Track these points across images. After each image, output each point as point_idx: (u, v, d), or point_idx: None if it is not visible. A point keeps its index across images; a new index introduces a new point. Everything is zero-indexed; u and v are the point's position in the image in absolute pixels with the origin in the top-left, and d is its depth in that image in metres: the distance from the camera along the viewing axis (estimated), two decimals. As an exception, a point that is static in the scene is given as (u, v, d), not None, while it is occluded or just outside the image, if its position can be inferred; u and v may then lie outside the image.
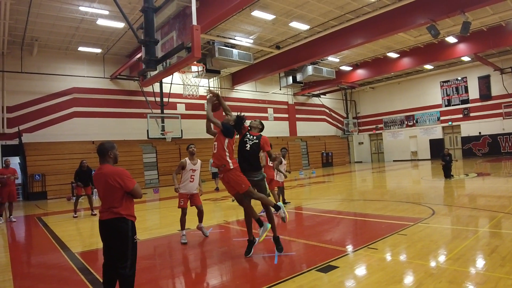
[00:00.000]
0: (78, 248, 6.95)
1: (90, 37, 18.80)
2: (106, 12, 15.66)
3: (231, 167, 5.43)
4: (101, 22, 16.50)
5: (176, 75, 20.35)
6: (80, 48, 20.07)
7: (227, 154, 5.46)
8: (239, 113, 5.93)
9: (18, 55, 18.71)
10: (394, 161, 35.26)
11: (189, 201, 6.98)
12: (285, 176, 10.64)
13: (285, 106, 32.59)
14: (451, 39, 22.47)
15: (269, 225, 5.51)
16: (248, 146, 5.66)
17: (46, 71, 19.66)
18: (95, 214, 11.18)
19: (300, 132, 33.38)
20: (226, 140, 5.50)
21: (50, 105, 19.85)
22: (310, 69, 25.01)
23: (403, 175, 20.21)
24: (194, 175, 6.97)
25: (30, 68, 19.09)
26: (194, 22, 5.79)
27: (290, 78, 26.99)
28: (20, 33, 17.19)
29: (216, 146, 5.53)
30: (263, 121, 6.13)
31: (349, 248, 5.77)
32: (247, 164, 5.63)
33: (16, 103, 18.78)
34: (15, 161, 18.48)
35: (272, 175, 9.84)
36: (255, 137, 5.72)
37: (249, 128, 5.92)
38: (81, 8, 15.16)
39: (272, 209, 5.64)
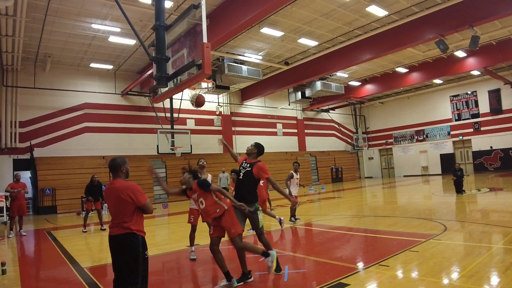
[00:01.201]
0: (87, 263, 6.95)
1: (102, 54, 19.15)
2: (118, 30, 15.98)
3: (226, 207, 5.02)
4: (112, 39, 16.84)
5: (186, 90, 20.54)
6: (92, 65, 20.43)
7: (217, 199, 5.03)
8: (193, 168, 5.43)
9: (31, 71, 19.12)
10: (404, 176, 34.94)
11: (200, 217, 6.95)
12: (290, 193, 10.47)
13: (294, 121, 32.63)
14: (460, 54, 22.45)
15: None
16: (241, 175, 5.39)
17: (58, 86, 20.00)
18: (104, 229, 11.20)
19: (309, 147, 33.31)
20: (211, 193, 5.05)
21: (61, 120, 20.15)
22: (318, 84, 25.09)
23: (414, 191, 19.98)
24: None
25: (43, 84, 19.45)
26: (205, 39, 5.87)
27: (299, 94, 27.10)
28: (33, 49, 17.58)
29: (203, 202, 5.02)
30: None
31: (360, 265, 5.69)
32: (241, 194, 5.31)
33: (28, 118, 19.10)
34: (26, 175, 18.69)
35: (264, 196, 9.34)
36: (248, 165, 5.38)
37: (247, 155, 5.62)
38: (93, 26, 15.50)
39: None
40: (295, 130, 32.61)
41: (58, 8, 13.80)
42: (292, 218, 10.55)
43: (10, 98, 18.42)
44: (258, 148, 5.57)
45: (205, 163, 7.17)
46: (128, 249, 3.60)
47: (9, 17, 12.83)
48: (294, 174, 10.56)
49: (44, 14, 13.93)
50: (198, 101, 6.03)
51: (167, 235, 10.62)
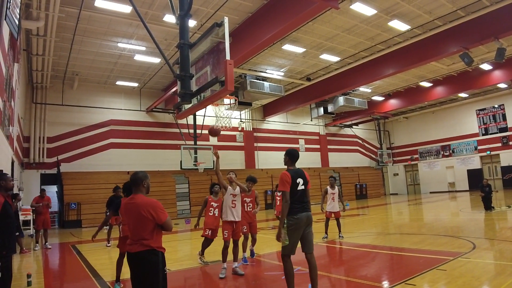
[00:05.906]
0: (109, 277, 7.01)
1: (128, 72, 19.66)
2: (143, 48, 16.42)
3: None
4: (138, 57, 17.31)
5: (209, 107, 20.72)
6: (118, 82, 21.01)
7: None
8: None
9: (59, 89, 19.81)
10: (430, 192, 34.05)
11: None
12: (322, 210, 10.43)
13: (317, 137, 32.45)
14: (486, 66, 21.95)
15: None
16: None
17: (85, 103, 20.62)
18: (127, 244, 11.25)
19: (332, 163, 32.98)
20: None
21: (88, 136, 20.70)
22: (341, 100, 24.97)
23: (441, 207, 19.44)
24: (235, 201, 6.86)
25: (70, 101, 20.11)
26: (228, 57, 5.93)
27: (321, 109, 26.95)
28: (62, 68, 18.23)
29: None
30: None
31: (386, 284, 5.54)
32: None
33: (56, 134, 19.73)
34: (53, 190, 19.17)
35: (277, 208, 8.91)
36: None
37: None
38: (120, 45, 15.98)
39: None
40: (318, 146, 32.41)
41: (86, 28, 14.31)
42: (340, 234, 10.46)
43: (39, 114, 19.13)
44: (287, 154, 5.13)
45: (233, 176, 7.14)
46: (149, 266, 3.54)
47: (40, 37, 13.42)
48: (328, 189, 10.43)
49: (73, 34, 14.44)
50: (213, 131, 6.10)
51: (189, 250, 10.61)
